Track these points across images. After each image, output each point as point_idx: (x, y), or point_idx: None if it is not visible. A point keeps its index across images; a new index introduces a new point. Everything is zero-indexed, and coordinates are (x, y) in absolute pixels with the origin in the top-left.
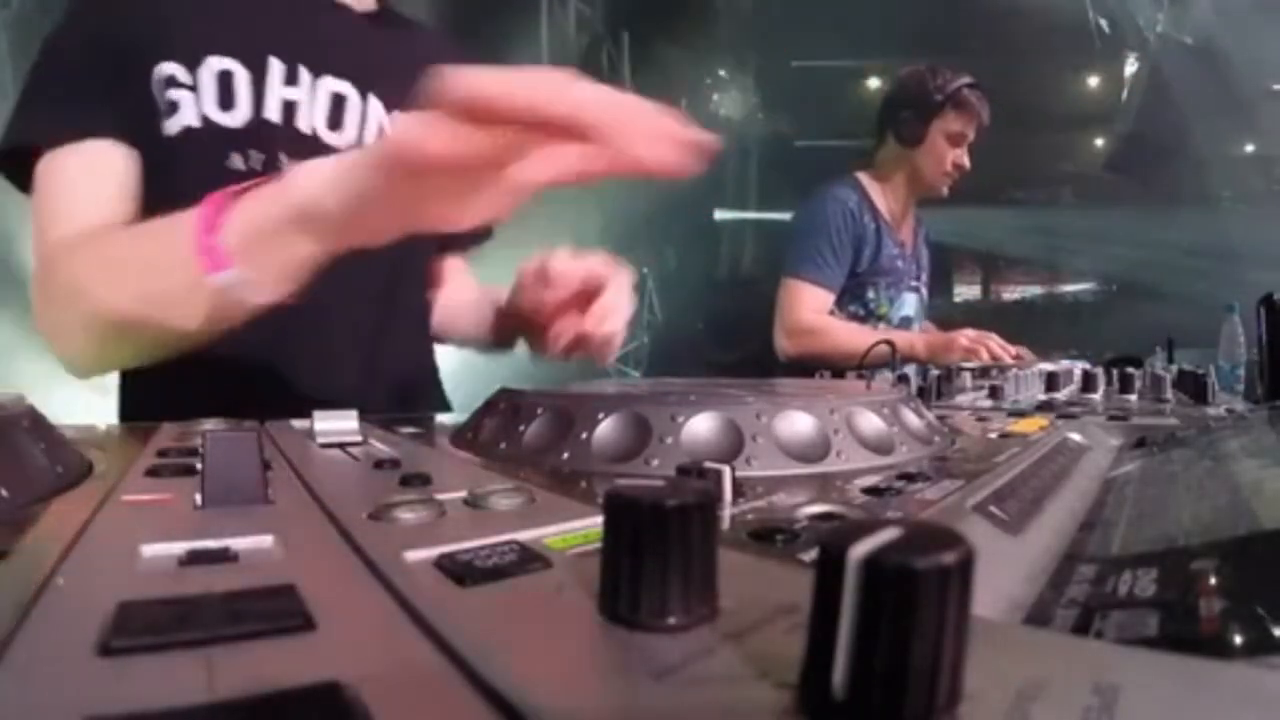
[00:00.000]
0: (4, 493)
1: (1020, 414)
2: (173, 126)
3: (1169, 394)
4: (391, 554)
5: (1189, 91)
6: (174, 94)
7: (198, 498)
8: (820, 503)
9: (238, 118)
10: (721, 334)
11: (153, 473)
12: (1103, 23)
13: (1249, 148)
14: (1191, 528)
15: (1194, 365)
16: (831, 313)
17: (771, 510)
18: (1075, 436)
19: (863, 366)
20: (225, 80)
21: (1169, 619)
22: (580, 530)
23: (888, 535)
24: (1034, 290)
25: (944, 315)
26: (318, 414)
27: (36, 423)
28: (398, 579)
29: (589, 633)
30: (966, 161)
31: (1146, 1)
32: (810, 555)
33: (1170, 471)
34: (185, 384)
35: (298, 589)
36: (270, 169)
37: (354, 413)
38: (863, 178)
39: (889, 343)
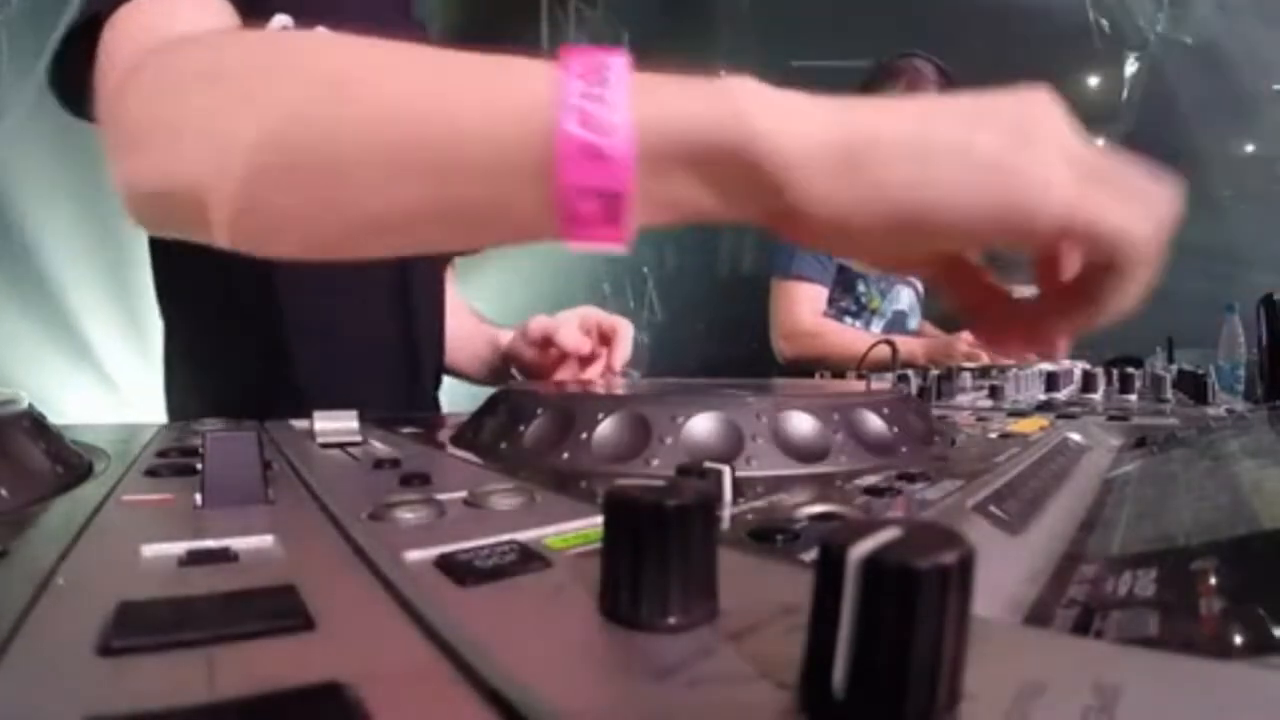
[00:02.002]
0: (4, 493)
1: (1020, 414)
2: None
3: (1169, 394)
4: (391, 554)
5: (1189, 91)
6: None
7: (198, 498)
8: (820, 503)
9: None
10: (721, 334)
11: (153, 473)
12: (1103, 23)
13: (1249, 148)
14: (1191, 528)
15: (1194, 365)
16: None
17: (771, 510)
18: (1075, 436)
19: (863, 368)
20: None
21: (1169, 619)
22: (580, 530)
23: (888, 535)
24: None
25: (944, 315)
26: (318, 414)
27: (36, 423)
28: (398, 579)
29: (589, 633)
30: None
31: (1147, 1)
32: (810, 555)
33: (1170, 471)
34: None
35: (298, 589)
36: None
37: (354, 413)
38: None
39: (890, 343)
